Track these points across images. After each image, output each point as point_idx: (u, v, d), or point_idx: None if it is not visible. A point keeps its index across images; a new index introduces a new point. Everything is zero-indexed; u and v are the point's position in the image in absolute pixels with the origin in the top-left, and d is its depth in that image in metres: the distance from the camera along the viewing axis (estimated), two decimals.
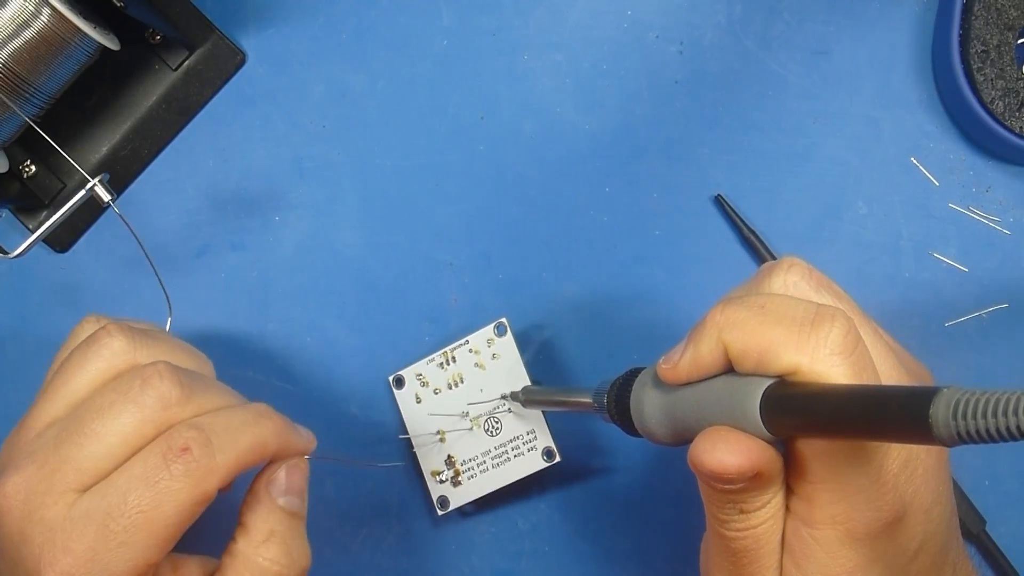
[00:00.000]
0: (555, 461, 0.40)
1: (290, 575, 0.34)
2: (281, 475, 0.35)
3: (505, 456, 0.41)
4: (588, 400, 0.36)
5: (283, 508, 0.35)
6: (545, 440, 0.40)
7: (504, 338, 0.41)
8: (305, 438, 0.36)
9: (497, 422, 0.41)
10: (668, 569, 0.43)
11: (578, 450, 0.43)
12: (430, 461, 0.42)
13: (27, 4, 0.37)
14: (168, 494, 0.32)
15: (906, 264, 0.44)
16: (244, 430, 0.34)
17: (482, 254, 0.45)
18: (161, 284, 0.40)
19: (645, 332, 0.44)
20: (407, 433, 0.43)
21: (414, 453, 0.42)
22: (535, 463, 0.40)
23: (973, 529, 0.42)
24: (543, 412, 0.41)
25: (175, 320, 0.45)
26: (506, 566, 0.44)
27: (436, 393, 0.42)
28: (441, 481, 0.42)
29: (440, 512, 0.42)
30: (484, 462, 0.41)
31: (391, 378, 0.43)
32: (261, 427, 0.34)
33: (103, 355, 0.35)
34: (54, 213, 0.39)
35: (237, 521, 0.35)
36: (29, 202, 0.45)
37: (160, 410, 0.33)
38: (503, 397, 0.41)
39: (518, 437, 0.41)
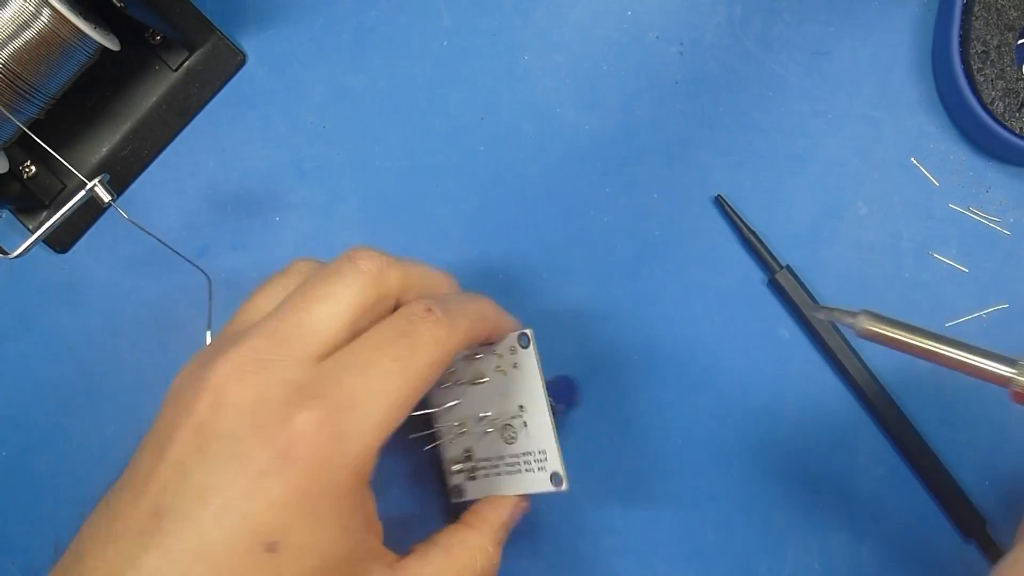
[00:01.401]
0: (561, 488, 0.38)
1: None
2: (523, 505, 0.39)
3: (517, 468, 0.40)
4: (1004, 372, 0.32)
5: (507, 531, 0.39)
6: (555, 464, 0.38)
7: (527, 350, 0.38)
8: (514, 322, 0.39)
9: (513, 432, 0.40)
10: (668, 569, 0.43)
11: (578, 449, 0.43)
12: (449, 450, 0.41)
13: (27, 4, 0.37)
14: (420, 347, 0.32)
15: (906, 264, 0.44)
16: (469, 302, 0.36)
17: (481, 254, 0.45)
18: (194, 264, 0.41)
19: (645, 332, 0.44)
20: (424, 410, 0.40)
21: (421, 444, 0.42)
22: (543, 484, 0.39)
23: (973, 530, 0.42)
24: (555, 433, 0.38)
25: (175, 321, 0.45)
26: (506, 566, 0.43)
27: (459, 384, 0.40)
28: (458, 471, 0.41)
29: (453, 500, 0.41)
30: (498, 466, 0.40)
31: None
32: (481, 302, 0.37)
33: (311, 262, 0.37)
34: (54, 214, 0.39)
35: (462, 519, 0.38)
36: (29, 203, 0.45)
37: (377, 272, 0.34)
38: (813, 310, 0.35)
39: (529, 453, 0.39)
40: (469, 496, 0.41)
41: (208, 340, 0.42)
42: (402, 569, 0.34)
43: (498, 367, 0.39)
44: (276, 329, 0.32)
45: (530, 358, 0.38)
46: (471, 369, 0.40)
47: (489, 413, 0.40)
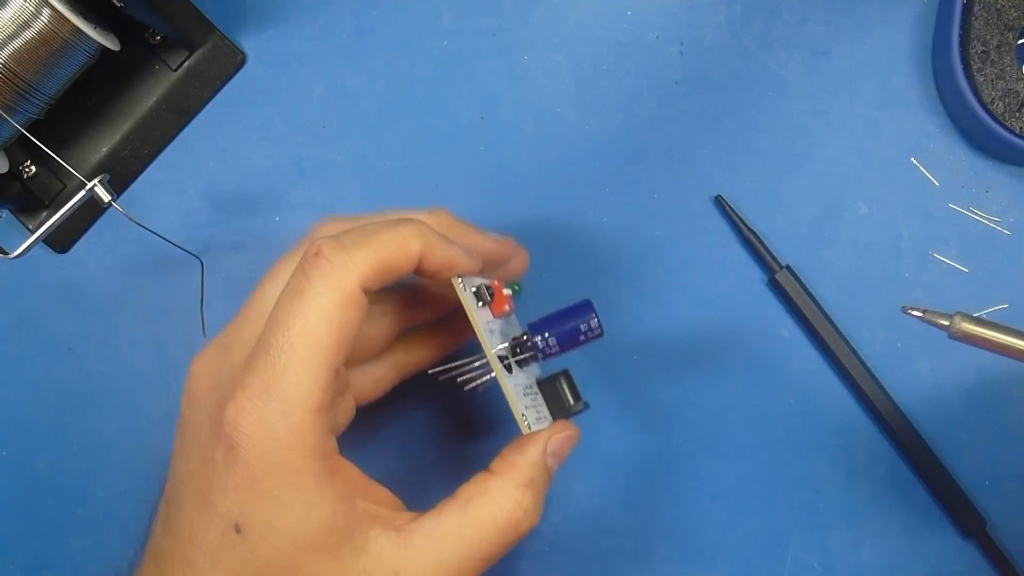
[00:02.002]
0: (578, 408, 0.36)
1: (528, 526, 0.34)
2: (558, 438, 0.35)
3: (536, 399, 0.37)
4: None
5: (547, 465, 0.35)
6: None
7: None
8: (465, 255, 0.35)
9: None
10: (668, 569, 0.43)
11: (577, 449, 0.43)
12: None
13: (27, 4, 0.37)
14: (311, 302, 0.31)
15: (906, 264, 0.44)
16: (382, 230, 0.32)
17: None
18: (189, 252, 0.41)
19: (645, 333, 0.44)
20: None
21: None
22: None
23: (973, 529, 0.42)
24: (506, 383, 0.35)
25: (175, 321, 0.45)
26: (506, 566, 0.44)
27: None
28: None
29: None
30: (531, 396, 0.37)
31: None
32: (402, 227, 0.33)
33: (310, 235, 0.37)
34: (54, 214, 0.39)
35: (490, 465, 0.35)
36: (29, 203, 0.45)
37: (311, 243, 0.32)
38: (906, 309, 0.34)
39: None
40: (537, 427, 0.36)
41: (203, 322, 0.43)
42: (411, 531, 0.32)
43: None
44: (240, 312, 0.35)
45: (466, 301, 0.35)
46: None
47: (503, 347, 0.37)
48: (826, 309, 0.43)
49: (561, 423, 0.36)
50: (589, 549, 0.43)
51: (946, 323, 0.34)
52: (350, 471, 0.33)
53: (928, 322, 0.34)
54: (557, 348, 0.37)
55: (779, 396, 0.44)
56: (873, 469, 0.43)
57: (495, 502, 0.33)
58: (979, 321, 0.34)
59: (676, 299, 0.44)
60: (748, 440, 0.43)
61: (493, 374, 0.36)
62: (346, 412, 0.38)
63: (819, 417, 0.44)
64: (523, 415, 0.35)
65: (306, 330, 0.31)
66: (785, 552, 0.43)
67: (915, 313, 0.34)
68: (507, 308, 0.36)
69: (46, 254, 0.45)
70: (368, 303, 0.32)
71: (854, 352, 0.43)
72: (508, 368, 0.36)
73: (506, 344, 0.37)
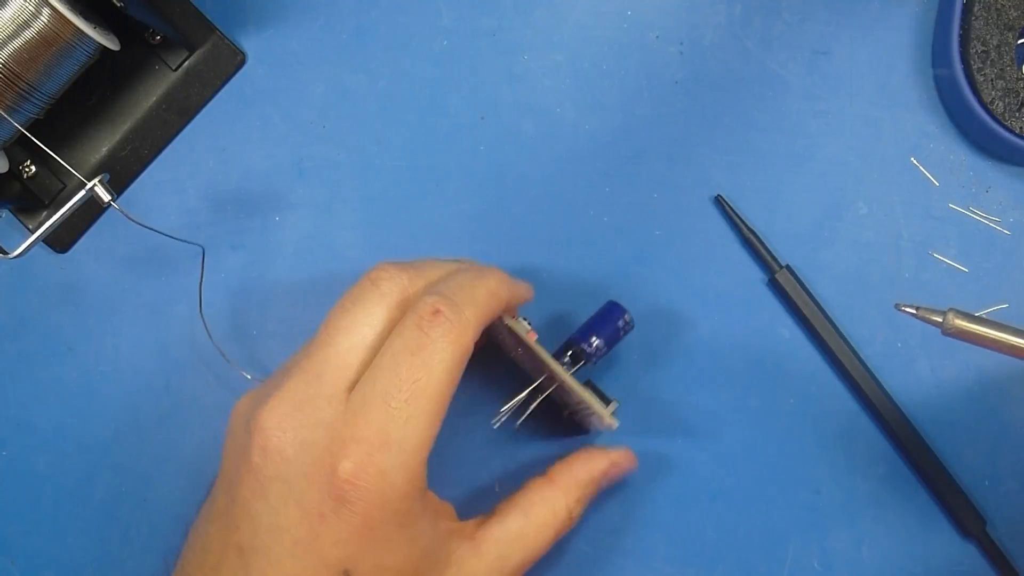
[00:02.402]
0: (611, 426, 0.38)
1: (564, 529, 0.37)
2: (618, 457, 0.39)
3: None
4: None
5: (600, 484, 0.38)
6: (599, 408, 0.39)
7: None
8: (526, 287, 0.39)
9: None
10: (668, 569, 0.43)
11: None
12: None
13: (27, 4, 0.37)
14: (435, 357, 0.33)
15: (906, 264, 0.44)
16: (476, 284, 0.35)
17: (482, 254, 0.45)
18: (189, 242, 0.41)
19: (645, 332, 0.44)
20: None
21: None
22: (598, 424, 0.39)
23: (973, 529, 0.42)
24: (575, 385, 0.38)
25: (175, 321, 0.45)
26: None
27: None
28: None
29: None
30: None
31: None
32: (488, 279, 0.36)
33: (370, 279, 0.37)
34: (54, 213, 0.39)
35: (546, 473, 0.38)
36: (29, 202, 0.45)
37: (398, 292, 0.35)
38: (899, 306, 0.35)
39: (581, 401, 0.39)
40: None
41: (201, 309, 0.43)
42: (481, 539, 0.35)
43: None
44: (307, 368, 0.34)
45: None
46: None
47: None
48: (826, 309, 0.43)
49: (626, 451, 0.39)
50: (589, 549, 0.43)
51: (939, 319, 0.34)
52: (432, 497, 0.35)
53: (921, 319, 0.34)
54: (605, 349, 0.41)
55: (779, 396, 0.44)
56: (873, 469, 0.43)
57: (554, 510, 0.37)
58: (972, 317, 0.34)
59: (676, 299, 0.44)
60: (748, 440, 0.43)
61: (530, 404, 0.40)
62: None
63: (819, 417, 0.44)
64: (609, 413, 0.38)
65: (431, 383, 0.33)
66: (785, 552, 0.43)
67: (908, 310, 0.35)
68: (536, 334, 0.39)
69: (46, 254, 0.45)
70: None
71: (854, 352, 0.43)
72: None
73: (567, 358, 0.40)
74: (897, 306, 0.35)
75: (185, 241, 0.42)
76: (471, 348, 0.34)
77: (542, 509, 0.37)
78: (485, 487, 0.43)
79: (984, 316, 0.34)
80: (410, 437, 0.32)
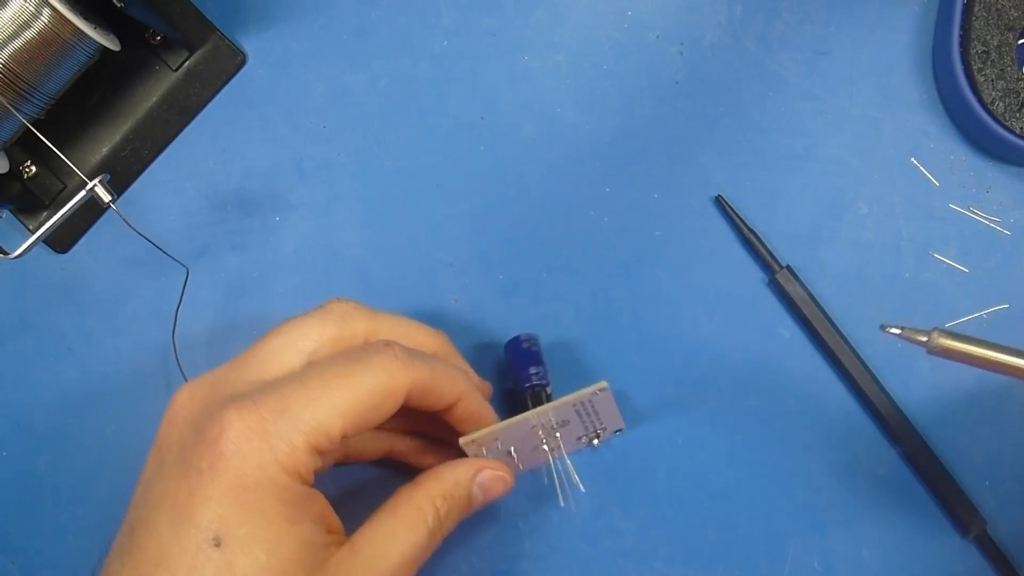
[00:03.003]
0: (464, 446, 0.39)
1: (434, 541, 0.36)
2: (489, 474, 0.38)
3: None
4: None
5: (471, 494, 0.38)
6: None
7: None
8: (490, 410, 0.39)
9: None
10: (668, 569, 0.43)
11: (578, 449, 0.43)
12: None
13: (27, 5, 0.37)
14: (367, 372, 0.33)
15: (906, 264, 0.44)
16: (436, 361, 0.36)
17: (482, 254, 0.45)
18: (175, 259, 0.42)
19: (645, 333, 0.44)
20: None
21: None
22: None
23: (974, 530, 0.42)
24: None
25: (173, 320, 0.45)
26: (506, 566, 0.44)
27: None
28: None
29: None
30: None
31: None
32: (453, 371, 0.37)
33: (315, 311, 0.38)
34: (54, 214, 0.39)
35: (415, 476, 0.38)
36: (30, 203, 0.45)
37: (340, 316, 0.36)
38: (884, 327, 0.35)
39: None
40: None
41: (174, 328, 0.43)
42: (356, 540, 0.35)
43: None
44: (236, 359, 0.35)
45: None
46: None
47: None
48: (826, 309, 0.43)
49: (498, 464, 0.39)
50: (589, 549, 0.43)
51: (924, 339, 0.34)
52: (320, 499, 0.34)
53: (906, 339, 0.34)
54: (544, 370, 0.42)
55: (779, 396, 0.44)
56: (873, 469, 0.43)
57: (421, 510, 0.36)
58: (957, 336, 0.34)
59: (676, 299, 0.44)
60: (748, 440, 0.43)
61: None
62: (326, 462, 0.38)
63: (819, 417, 0.44)
64: (474, 439, 0.39)
65: (351, 387, 0.33)
66: (785, 552, 0.43)
67: (893, 331, 0.35)
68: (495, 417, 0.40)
69: (46, 254, 0.45)
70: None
71: (854, 352, 0.43)
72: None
73: (530, 402, 0.41)
74: (882, 327, 0.35)
75: (173, 258, 0.42)
76: (403, 394, 0.34)
77: (408, 507, 0.36)
78: None
79: (966, 333, 0.34)
80: (308, 417, 0.32)
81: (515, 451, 0.40)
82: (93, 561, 0.44)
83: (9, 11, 0.37)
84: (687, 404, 0.44)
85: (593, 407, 0.40)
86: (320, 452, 0.33)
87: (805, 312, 0.43)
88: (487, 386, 0.41)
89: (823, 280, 0.44)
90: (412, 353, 0.35)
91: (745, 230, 0.43)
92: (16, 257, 0.40)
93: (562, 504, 0.43)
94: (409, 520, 0.36)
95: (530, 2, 0.45)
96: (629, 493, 0.43)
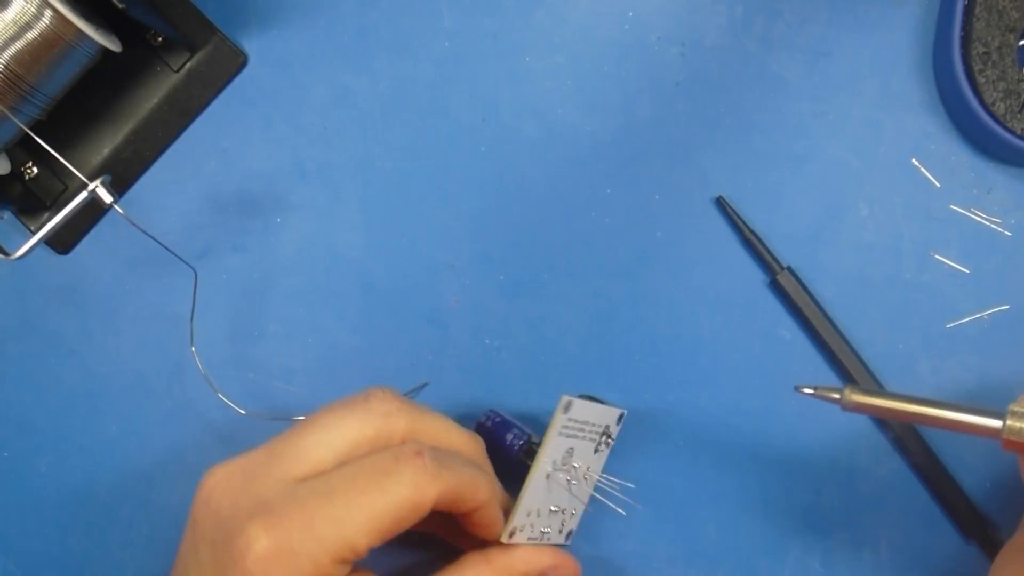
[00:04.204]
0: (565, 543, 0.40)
1: None
2: (559, 567, 0.39)
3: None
4: (993, 424, 0.33)
5: None
6: (571, 523, 0.41)
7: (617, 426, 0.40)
8: (500, 510, 0.38)
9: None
10: (669, 570, 0.43)
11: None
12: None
13: (29, 6, 0.37)
14: (394, 487, 0.33)
15: (907, 265, 0.44)
16: (468, 466, 0.36)
17: (483, 256, 0.45)
18: (183, 260, 0.41)
19: (646, 334, 0.44)
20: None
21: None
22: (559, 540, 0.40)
23: (974, 531, 0.42)
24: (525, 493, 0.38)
25: (176, 322, 0.45)
26: None
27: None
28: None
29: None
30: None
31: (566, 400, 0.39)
32: (480, 473, 0.36)
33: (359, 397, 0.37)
34: (56, 215, 0.39)
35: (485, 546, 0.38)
36: (31, 204, 0.45)
37: (382, 415, 0.35)
38: (799, 388, 0.36)
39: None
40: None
41: (191, 332, 0.43)
42: None
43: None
44: (271, 448, 0.35)
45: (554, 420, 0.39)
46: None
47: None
48: (827, 310, 0.43)
49: (568, 556, 0.39)
50: (589, 550, 0.43)
51: (837, 396, 0.35)
52: None
53: (820, 398, 0.36)
54: (521, 428, 0.42)
55: (780, 397, 0.44)
56: (874, 470, 0.43)
57: None
58: (868, 392, 0.35)
59: (677, 300, 0.44)
60: (749, 441, 0.43)
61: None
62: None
63: (820, 418, 0.44)
64: (511, 529, 0.38)
65: (376, 505, 0.33)
66: (786, 553, 0.43)
67: (807, 391, 0.36)
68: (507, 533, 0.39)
69: (47, 255, 0.45)
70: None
71: (855, 353, 0.43)
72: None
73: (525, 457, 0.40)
74: (796, 388, 0.36)
75: (182, 260, 0.42)
76: (430, 506, 0.34)
77: None
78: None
79: (877, 389, 0.37)
80: (333, 536, 0.33)
81: (556, 508, 0.40)
82: (94, 562, 0.45)
83: (10, 12, 0.37)
84: (687, 405, 0.44)
85: (576, 421, 0.40)
86: (346, 563, 0.33)
87: (806, 313, 0.43)
88: (507, 497, 0.40)
89: (824, 281, 0.44)
90: (441, 463, 0.34)
91: (746, 231, 0.43)
92: (17, 258, 0.40)
93: (623, 513, 0.43)
94: None
95: (531, 3, 0.45)
96: (629, 494, 0.43)
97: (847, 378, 0.43)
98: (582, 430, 0.40)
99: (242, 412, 0.43)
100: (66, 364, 0.45)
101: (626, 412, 0.42)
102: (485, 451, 0.39)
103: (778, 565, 0.43)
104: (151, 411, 0.45)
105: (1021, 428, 0.33)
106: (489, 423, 0.42)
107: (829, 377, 0.44)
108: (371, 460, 0.34)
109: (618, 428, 0.42)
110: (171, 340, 0.45)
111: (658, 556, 0.43)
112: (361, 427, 0.35)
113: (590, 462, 0.41)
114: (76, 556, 0.45)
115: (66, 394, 0.45)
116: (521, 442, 0.41)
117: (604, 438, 0.42)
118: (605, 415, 0.41)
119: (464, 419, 0.43)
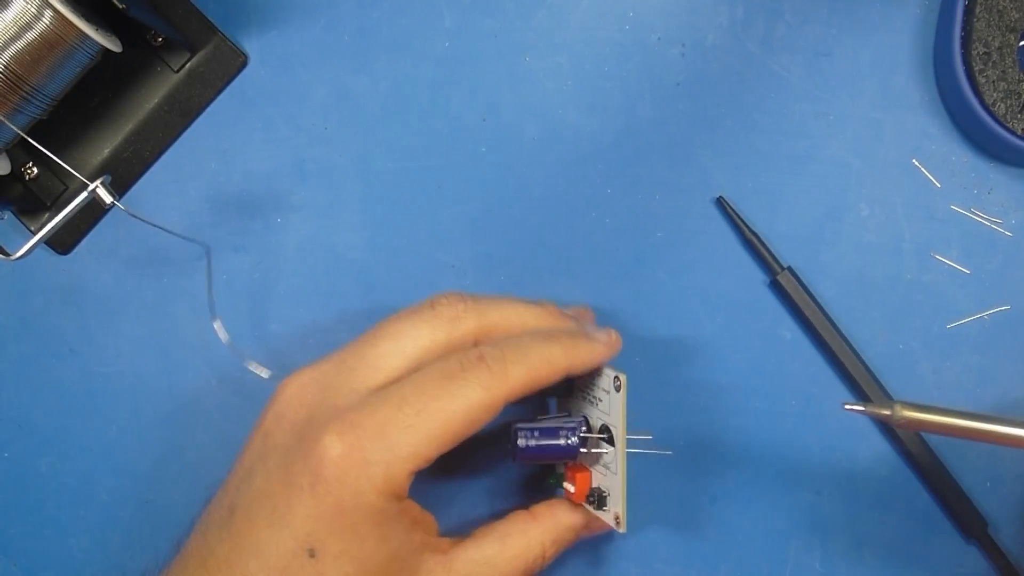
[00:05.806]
0: (619, 531, 0.38)
1: (534, 568, 0.37)
2: (599, 523, 0.39)
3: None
4: None
5: (577, 535, 0.39)
6: (617, 506, 0.38)
7: (617, 394, 0.39)
8: (602, 346, 0.38)
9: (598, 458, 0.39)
10: (669, 570, 0.43)
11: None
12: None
13: (29, 6, 0.37)
14: (462, 391, 0.34)
15: (908, 266, 0.44)
16: (535, 348, 0.36)
17: (484, 256, 0.45)
18: (194, 240, 0.40)
19: (646, 334, 0.44)
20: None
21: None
22: (606, 519, 0.39)
23: (975, 531, 0.42)
24: (623, 480, 0.38)
25: (176, 322, 0.45)
26: None
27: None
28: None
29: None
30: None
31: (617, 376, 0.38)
32: (551, 346, 0.36)
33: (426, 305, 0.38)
34: (56, 215, 0.39)
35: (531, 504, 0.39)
36: (31, 204, 0.45)
37: (449, 319, 0.36)
38: (847, 406, 0.35)
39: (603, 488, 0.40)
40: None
41: (212, 306, 0.43)
42: (454, 556, 0.36)
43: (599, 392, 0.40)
44: (343, 359, 0.36)
45: (617, 403, 0.38)
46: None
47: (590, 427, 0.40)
48: (827, 310, 0.43)
49: (604, 519, 0.39)
50: (589, 550, 0.43)
51: (888, 413, 0.35)
52: (412, 506, 0.36)
53: (870, 415, 0.35)
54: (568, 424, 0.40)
55: (780, 397, 0.44)
56: (874, 470, 0.43)
57: (529, 545, 0.37)
58: (920, 407, 0.34)
59: (677, 300, 0.44)
60: (749, 441, 0.43)
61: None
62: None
63: (820, 418, 0.44)
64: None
65: (447, 410, 0.34)
66: (786, 553, 0.43)
67: (856, 408, 0.35)
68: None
69: (48, 255, 0.45)
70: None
71: (855, 353, 0.43)
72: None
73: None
74: (844, 406, 0.35)
75: (191, 240, 0.42)
76: (501, 404, 0.35)
77: (519, 541, 0.37)
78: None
79: (928, 404, 0.35)
80: (404, 443, 0.33)
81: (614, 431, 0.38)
82: (94, 562, 0.45)
83: (11, 13, 0.37)
84: (687, 405, 0.44)
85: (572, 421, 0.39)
86: (416, 471, 0.34)
87: (806, 313, 0.43)
88: (609, 334, 0.39)
89: (824, 281, 0.44)
90: (507, 360, 0.35)
91: (746, 231, 0.43)
92: (18, 258, 0.40)
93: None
94: (514, 556, 0.37)
95: (532, 3, 0.45)
96: (629, 494, 0.43)
97: (847, 378, 0.43)
98: (601, 400, 0.40)
99: (266, 375, 0.43)
100: (66, 364, 0.45)
101: (621, 378, 0.39)
102: (558, 313, 0.39)
103: (778, 566, 0.43)
104: (151, 412, 0.45)
105: None
106: (532, 442, 0.39)
107: (829, 377, 0.44)
108: (438, 367, 0.35)
109: (618, 387, 0.40)
110: (171, 340, 0.45)
111: (657, 556, 0.43)
112: (431, 334, 0.36)
113: (611, 409, 0.40)
114: (77, 557, 0.45)
115: (66, 394, 0.45)
116: (576, 437, 0.39)
117: (597, 399, 0.40)
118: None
119: None
